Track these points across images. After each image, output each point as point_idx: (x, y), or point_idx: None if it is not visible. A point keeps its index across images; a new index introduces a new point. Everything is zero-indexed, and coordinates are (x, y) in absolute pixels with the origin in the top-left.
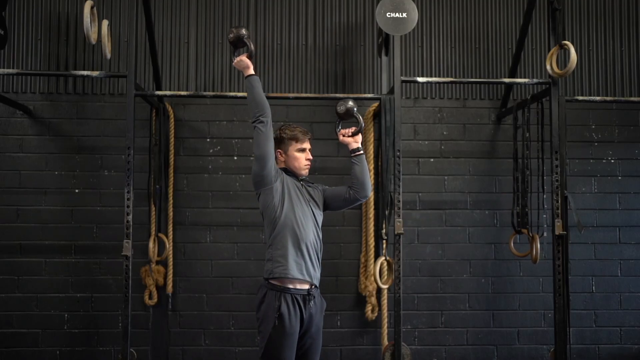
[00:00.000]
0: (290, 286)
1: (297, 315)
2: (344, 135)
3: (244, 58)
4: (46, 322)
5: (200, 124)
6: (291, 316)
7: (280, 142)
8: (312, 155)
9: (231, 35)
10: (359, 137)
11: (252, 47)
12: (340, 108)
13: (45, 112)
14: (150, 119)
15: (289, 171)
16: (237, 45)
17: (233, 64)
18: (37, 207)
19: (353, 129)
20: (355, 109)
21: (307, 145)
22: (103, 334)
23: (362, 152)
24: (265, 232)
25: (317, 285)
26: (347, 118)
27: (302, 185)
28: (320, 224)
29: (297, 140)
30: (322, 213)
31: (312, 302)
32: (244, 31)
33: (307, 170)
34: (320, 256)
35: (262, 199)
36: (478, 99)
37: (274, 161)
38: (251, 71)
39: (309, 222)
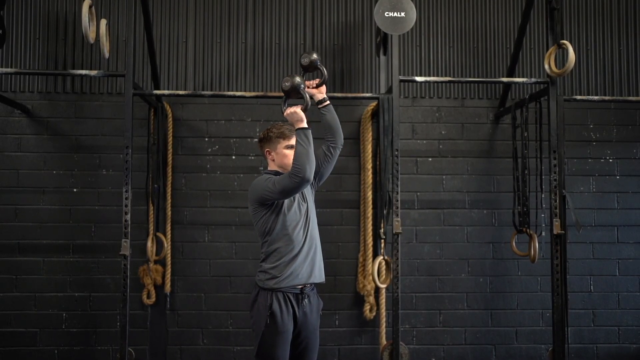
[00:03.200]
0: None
1: (290, 314)
2: (309, 87)
3: (299, 111)
4: (44, 321)
5: (198, 123)
6: (283, 314)
7: (269, 141)
8: None
9: (287, 84)
10: (324, 88)
11: (309, 99)
12: (305, 60)
13: (44, 111)
14: (149, 118)
15: (280, 173)
16: (291, 95)
17: (284, 114)
18: (36, 207)
19: (317, 80)
20: (319, 61)
21: (294, 142)
22: (101, 333)
23: (328, 102)
24: (259, 241)
25: (314, 283)
26: (312, 70)
27: None
28: (314, 216)
29: (284, 137)
30: (313, 196)
31: (305, 301)
32: (298, 79)
33: None
34: (318, 250)
35: (253, 211)
36: (476, 98)
37: None
38: (305, 124)
39: (301, 226)
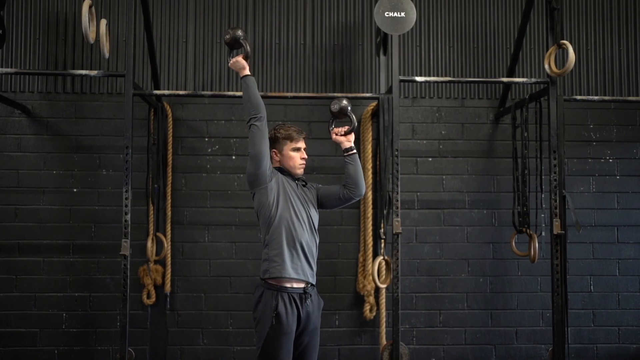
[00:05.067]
0: (287, 285)
1: (294, 314)
2: (336, 134)
3: (240, 59)
4: (44, 321)
5: (198, 123)
6: (288, 315)
7: (275, 142)
8: (307, 155)
9: (227, 37)
10: (352, 137)
11: (248, 48)
12: (334, 107)
13: (44, 111)
14: (149, 119)
15: (284, 170)
16: (234, 46)
17: (229, 64)
18: (36, 207)
19: (346, 128)
20: (349, 108)
21: (301, 144)
22: (101, 333)
23: (354, 151)
24: (262, 232)
25: (314, 284)
26: (341, 117)
27: (297, 185)
28: (316, 224)
29: (291, 139)
30: (317, 212)
31: (308, 301)
32: (240, 32)
33: (302, 170)
34: (315, 255)
35: (257, 198)
36: (476, 98)
37: (269, 160)
38: (247, 72)
39: (304, 222)
